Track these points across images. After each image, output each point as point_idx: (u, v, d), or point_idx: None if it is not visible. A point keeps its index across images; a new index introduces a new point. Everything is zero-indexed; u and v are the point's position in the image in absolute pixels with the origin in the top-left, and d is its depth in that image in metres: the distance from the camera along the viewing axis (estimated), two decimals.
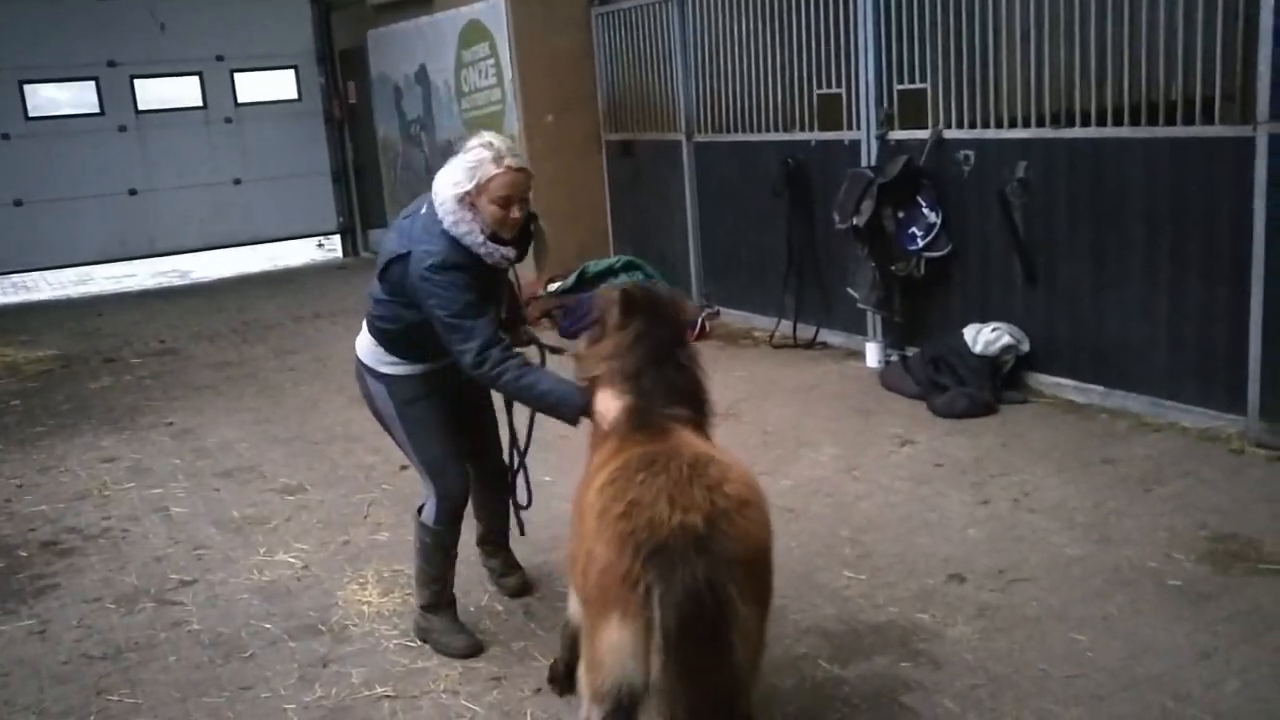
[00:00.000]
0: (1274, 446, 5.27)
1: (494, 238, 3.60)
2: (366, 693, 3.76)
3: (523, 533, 4.33)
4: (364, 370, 3.94)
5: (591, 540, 2.72)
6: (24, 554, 5.22)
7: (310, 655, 4.06)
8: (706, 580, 2.51)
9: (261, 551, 5.07)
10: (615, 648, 2.61)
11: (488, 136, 3.66)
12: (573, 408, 3.40)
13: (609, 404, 3.18)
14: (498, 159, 3.54)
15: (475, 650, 3.97)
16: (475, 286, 3.56)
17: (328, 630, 4.25)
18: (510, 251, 3.68)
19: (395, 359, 3.85)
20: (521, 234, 3.72)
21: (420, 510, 4.04)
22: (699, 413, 3.21)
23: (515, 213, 3.60)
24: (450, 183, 3.58)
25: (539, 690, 3.69)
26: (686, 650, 2.50)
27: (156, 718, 3.70)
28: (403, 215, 3.78)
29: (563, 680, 3.60)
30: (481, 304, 3.56)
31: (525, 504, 4.24)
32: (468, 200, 3.56)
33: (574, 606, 3.21)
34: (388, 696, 3.74)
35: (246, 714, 3.70)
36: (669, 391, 3.13)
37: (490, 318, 3.57)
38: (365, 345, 3.92)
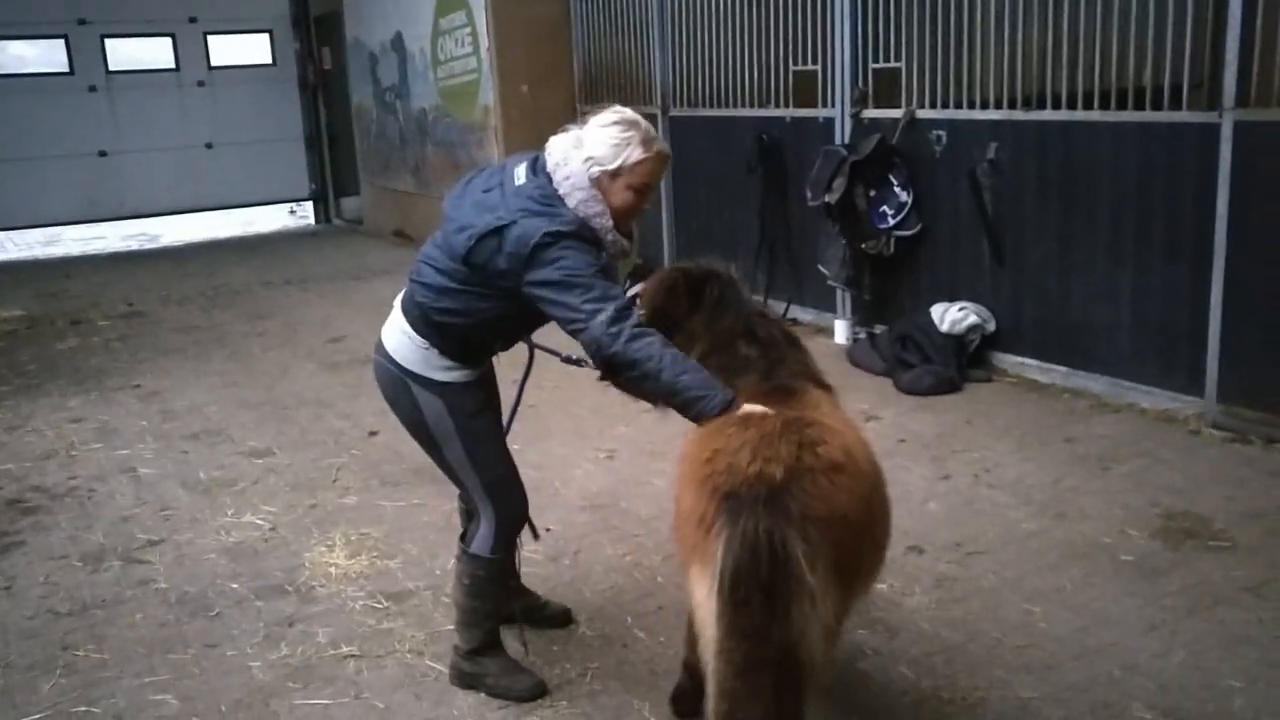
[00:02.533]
0: (1230, 428, 5.38)
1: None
2: (332, 652, 3.80)
3: (537, 536, 3.76)
4: (408, 379, 3.28)
5: (678, 489, 2.67)
6: None
7: (276, 615, 4.09)
8: (768, 533, 2.37)
9: (229, 513, 5.08)
10: (700, 602, 2.50)
11: (628, 113, 3.21)
12: (716, 407, 2.82)
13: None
14: (647, 142, 3.14)
15: (542, 689, 3.48)
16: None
17: (294, 591, 4.28)
18: (626, 243, 3.22)
19: (454, 363, 3.27)
20: None
21: (465, 539, 3.53)
22: (818, 380, 3.11)
23: (647, 202, 3.23)
24: (584, 158, 3.13)
25: None
26: (737, 603, 2.37)
27: (123, 673, 3.72)
28: (472, 188, 3.24)
29: (689, 697, 3.17)
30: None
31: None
32: (604, 180, 3.13)
33: None
34: (353, 656, 3.77)
35: (212, 671, 3.73)
36: (782, 364, 3.05)
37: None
38: (411, 347, 3.27)
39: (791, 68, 7.80)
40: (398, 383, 3.31)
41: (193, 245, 13.85)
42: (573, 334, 3.03)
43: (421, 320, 3.24)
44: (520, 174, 3.18)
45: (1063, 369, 6.26)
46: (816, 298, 7.78)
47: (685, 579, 2.61)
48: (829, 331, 7.52)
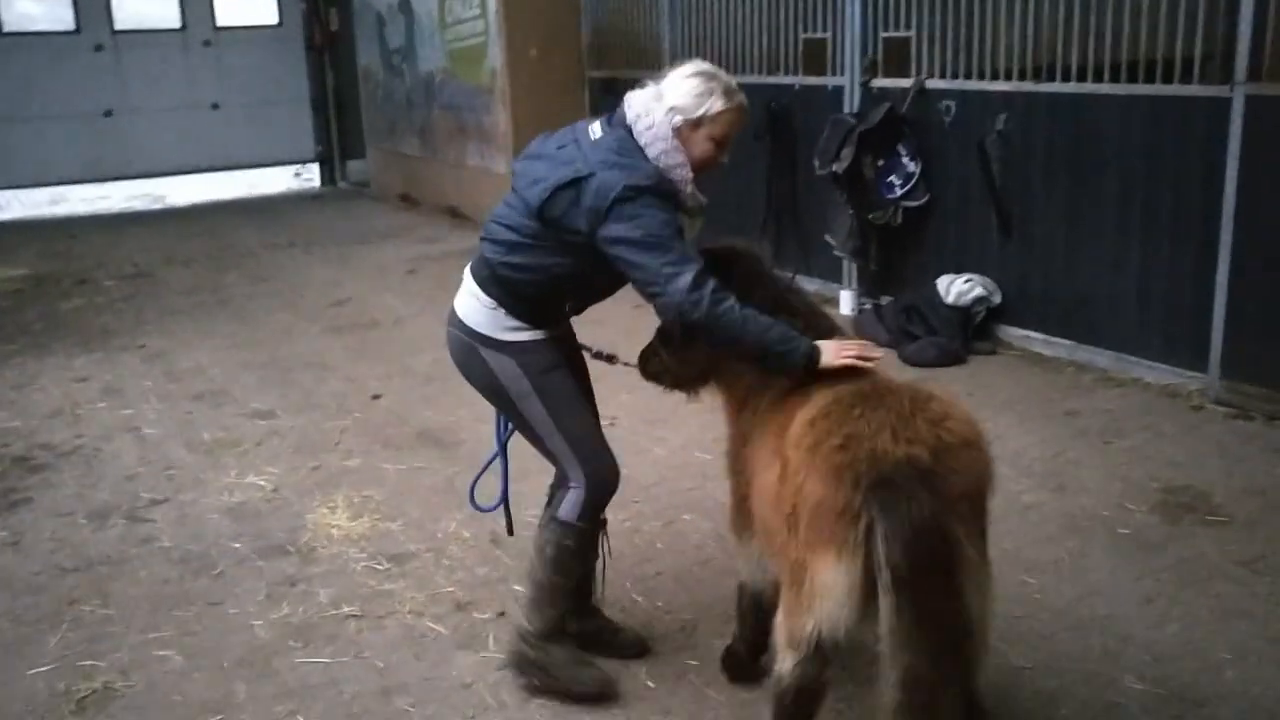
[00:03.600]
0: (1233, 404, 5.38)
1: None
2: (333, 611, 3.83)
3: (512, 531, 3.66)
4: (477, 341, 3.20)
5: (801, 477, 2.55)
6: None
7: (278, 574, 4.13)
8: (933, 516, 2.35)
9: (232, 474, 5.11)
10: (829, 588, 2.47)
11: (709, 66, 3.18)
12: (803, 355, 2.87)
13: (840, 352, 2.87)
14: (729, 93, 3.10)
15: (610, 687, 3.31)
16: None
17: (296, 551, 4.32)
18: (703, 198, 3.22)
19: (522, 323, 3.19)
20: None
21: (552, 506, 3.33)
22: None
23: (725, 155, 3.22)
24: (667, 108, 3.08)
25: (502, 614, 3.77)
26: (919, 590, 2.33)
27: (128, 629, 3.76)
28: (545, 147, 3.17)
29: (744, 663, 3.32)
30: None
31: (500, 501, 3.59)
32: (685, 130, 3.10)
33: (747, 569, 3.13)
34: (354, 616, 3.81)
35: (215, 628, 3.77)
36: (833, 332, 3.04)
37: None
38: (478, 309, 3.20)
39: (801, 35, 7.75)
40: (467, 348, 3.22)
41: (198, 206, 13.83)
42: (649, 297, 3.00)
43: (490, 279, 3.17)
44: (595, 130, 3.14)
45: (1068, 343, 6.26)
46: (823, 268, 7.76)
47: (800, 563, 2.55)
48: (835, 302, 7.51)
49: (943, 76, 6.79)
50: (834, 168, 6.96)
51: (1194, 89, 5.52)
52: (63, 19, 13.57)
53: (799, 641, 2.57)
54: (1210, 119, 5.38)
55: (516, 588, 3.87)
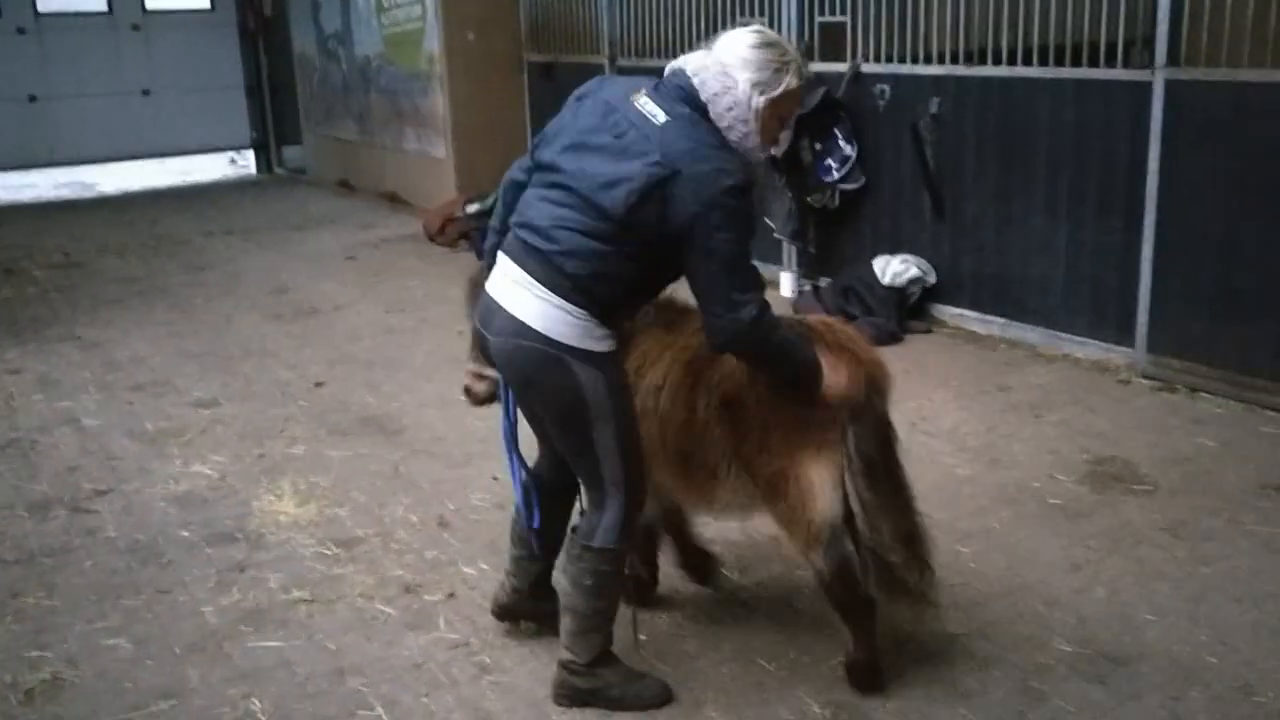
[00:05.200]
0: (1158, 378, 5.58)
1: None
2: (284, 596, 3.86)
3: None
4: (567, 355, 2.87)
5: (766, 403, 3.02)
6: None
7: (227, 561, 4.14)
8: (882, 416, 3.13)
9: (177, 463, 5.09)
10: (821, 482, 2.99)
11: (769, 32, 2.97)
12: (820, 376, 2.93)
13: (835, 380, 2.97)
14: (799, 66, 2.90)
15: (668, 692, 3.22)
16: None
17: (244, 538, 4.32)
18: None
19: (608, 331, 2.92)
20: None
21: (579, 534, 3.10)
22: None
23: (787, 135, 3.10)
24: (751, 83, 2.83)
25: (451, 595, 3.82)
26: (885, 475, 3.07)
27: (74, 619, 3.76)
28: (598, 131, 2.87)
29: (647, 584, 3.67)
30: None
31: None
32: (764, 108, 2.85)
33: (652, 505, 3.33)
34: (304, 601, 3.84)
35: (165, 615, 3.77)
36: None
37: None
38: (565, 319, 2.85)
39: (738, 19, 7.82)
40: (552, 361, 2.86)
41: (130, 194, 13.57)
42: (707, 313, 2.83)
43: (576, 290, 2.83)
44: (651, 107, 2.83)
45: (1000, 320, 6.43)
46: (763, 251, 7.83)
47: (782, 472, 3.04)
48: (775, 284, 7.62)
49: (877, 60, 6.91)
50: (772, 151, 7.05)
51: (1118, 73, 5.70)
52: None
53: (816, 536, 3.05)
54: (1133, 102, 5.55)
55: (466, 570, 3.93)
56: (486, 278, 3.07)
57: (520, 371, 2.95)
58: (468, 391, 3.43)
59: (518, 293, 2.89)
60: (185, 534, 4.38)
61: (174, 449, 5.26)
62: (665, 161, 2.73)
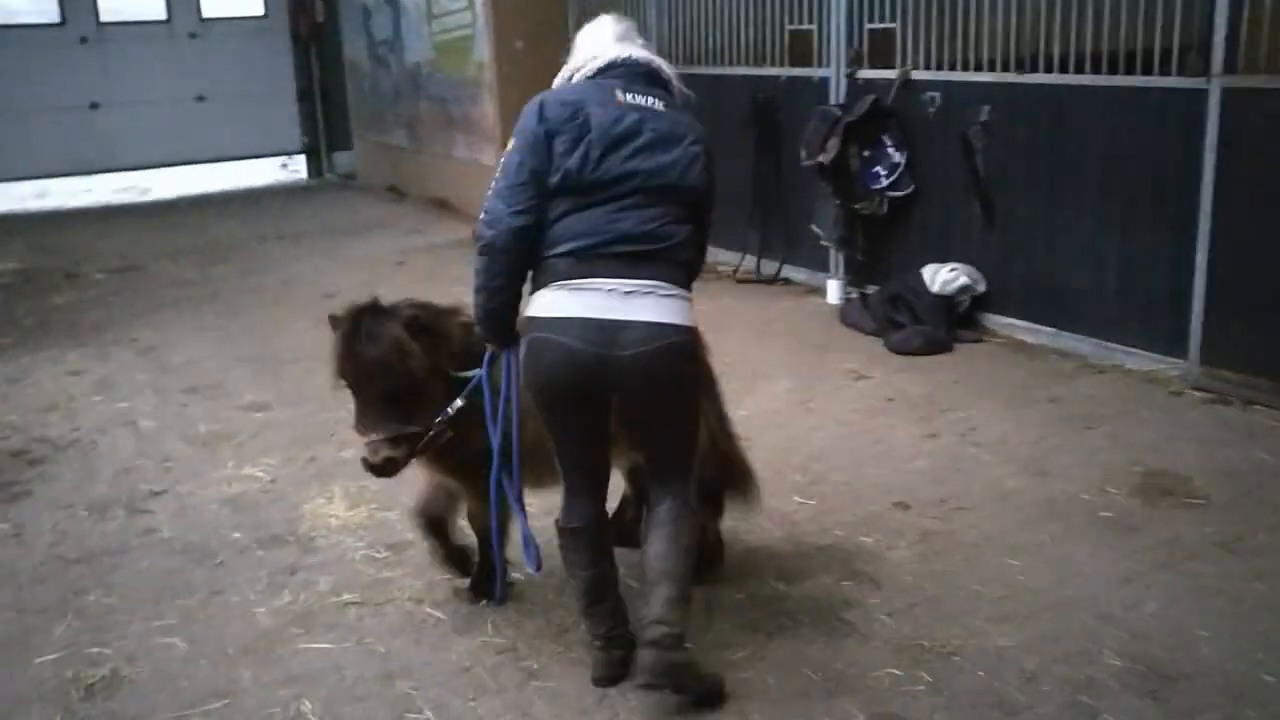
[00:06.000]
0: (1211, 390, 5.50)
1: None
2: (334, 599, 3.91)
3: (540, 568, 3.56)
4: (695, 339, 3.19)
5: None
6: None
7: (278, 564, 4.21)
8: None
9: (229, 465, 5.18)
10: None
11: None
12: None
13: None
14: None
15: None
16: None
17: (295, 541, 4.39)
18: None
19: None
20: None
21: (680, 503, 3.22)
22: None
23: None
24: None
25: (500, 601, 3.86)
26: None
27: (132, 617, 3.84)
28: (641, 131, 3.10)
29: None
30: None
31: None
32: None
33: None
34: (354, 603, 3.89)
35: (218, 616, 3.85)
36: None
37: None
38: (688, 306, 3.14)
39: (787, 26, 7.84)
40: (690, 348, 3.14)
41: (184, 199, 13.82)
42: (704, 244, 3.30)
43: (687, 276, 3.18)
44: (644, 99, 3.15)
45: (1050, 330, 6.37)
46: (809, 258, 7.86)
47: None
48: (821, 291, 7.61)
49: (927, 68, 6.88)
50: (820, 158, 7.05)
51: (1173, 80, 5.62)
52: (47, 11, 13.53)
53: None
54: (1188, 110, 5.48)
55: (514, 574, 3.95)
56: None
57: (670, 370, 3.07)
58: (381, 466, 3.31)
59: (644, 300, 3.03)
60: (237, 536, 4.45)
61: (226, 452, 5.35)
62: (698, 138, 3.16)
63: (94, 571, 4.19)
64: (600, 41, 3.29)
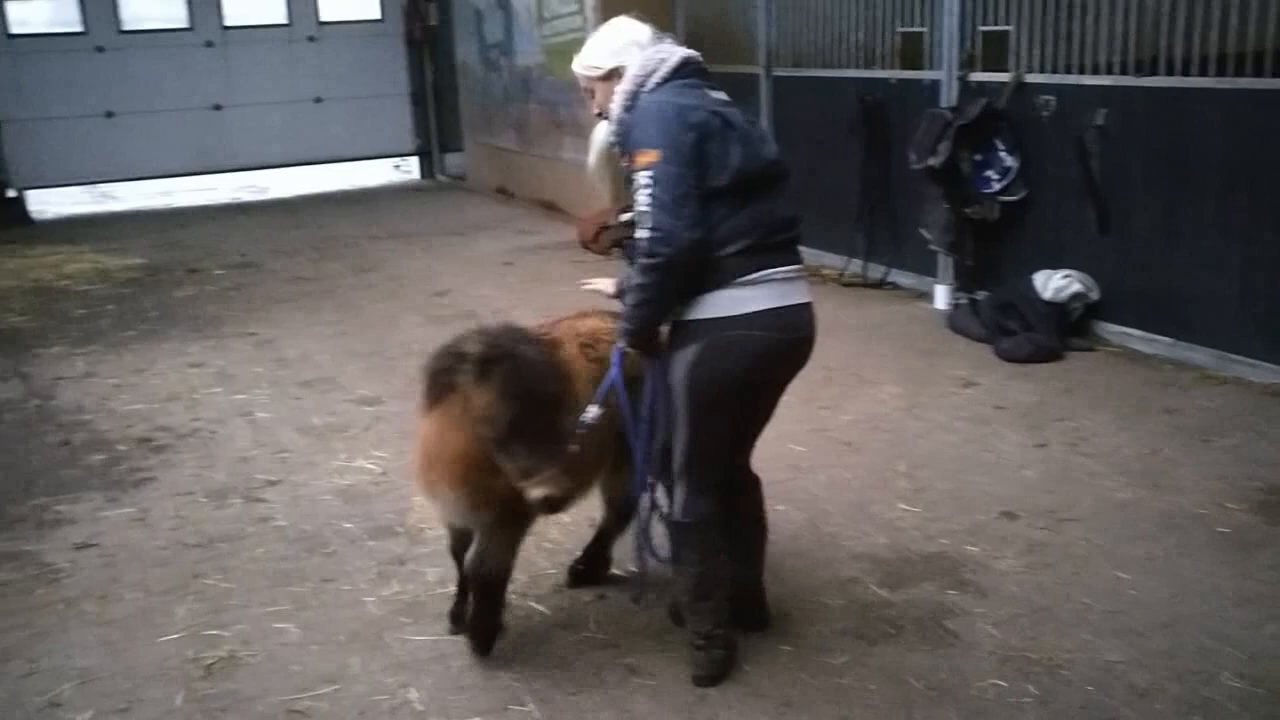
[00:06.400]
0: None
1: None
2: (441, 590, 3.99)
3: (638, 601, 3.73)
4: None
5: None
6: (123, 448, 5.54)
7: (388, 554, 4.32)
8: None
9: (341, 457, 5.33)
10: None
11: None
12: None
13: None
14: None
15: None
16: None
17: (404, 532, 4.50)
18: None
19: None
20: None
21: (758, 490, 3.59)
22: None
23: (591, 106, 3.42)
24: None
25: (602, 597, 3.91)
26: None
27: (248, 602, 3.98)
28: (737, 123, 3.19)
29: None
30: None
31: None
32: None
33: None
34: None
35: (330, 603, 3.97)
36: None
37: None
38: None
39: (898, 28, 7.75)
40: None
41: (301, 198, 14.23)
42: None
43: None
44: (719, 94, 3.27)
45: (1167, 340, 6.19)
46: (917, 262, 7.76)
47: None
48: (929, 296, 7.51)
49: (1041, 70, 6.74)
50: (930, 162, 6.96)
51: None
52: (177, 17, 14.06)
53: None
54: None
55: (615, 571, 3.98)
56: None
57: (808, 351, 3.31)
58: (565, 497, 3.35)
59: (800, 283, 3.27)
60: (348, 526, 4.58)
61: (339, 444, 5.50)
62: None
63: (212, 556, 4.35)
64: (647, 40, 3.32)
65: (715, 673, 3.36)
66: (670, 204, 3.03)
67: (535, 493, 3.17)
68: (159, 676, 3.55)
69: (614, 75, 3.28)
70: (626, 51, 3.28)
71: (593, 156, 3.46)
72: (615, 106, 3.26)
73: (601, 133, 3.39)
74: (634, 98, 3.22)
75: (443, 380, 3.32)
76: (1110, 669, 3.35)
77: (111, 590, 4.11)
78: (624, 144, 3.22)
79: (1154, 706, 3.17)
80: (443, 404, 3.31)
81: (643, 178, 3.05)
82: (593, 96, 3.36)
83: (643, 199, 3.05)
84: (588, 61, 3.34)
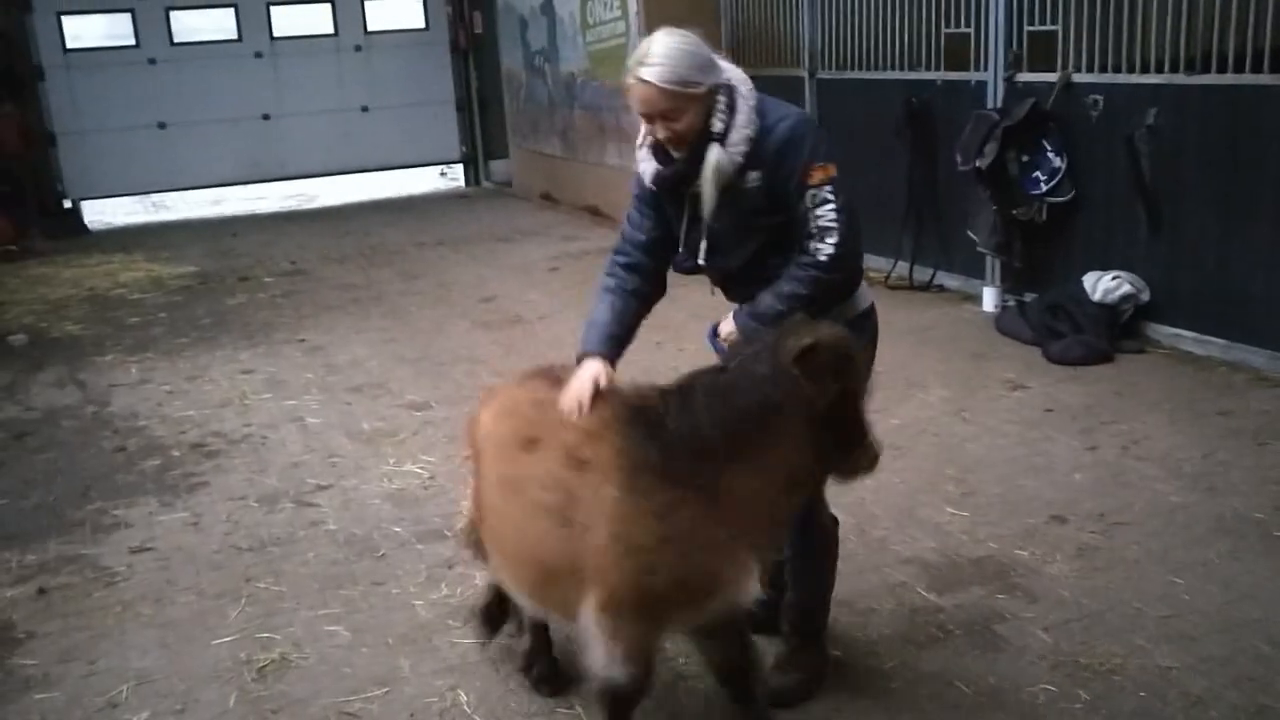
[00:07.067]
0: None
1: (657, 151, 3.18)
2: None
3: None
4: None
5: None
6: (176, 453, 5.64)
7: (437, 558, 4.36)
8: None
9: (391, 462, 5.38)
10: None
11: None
12: None
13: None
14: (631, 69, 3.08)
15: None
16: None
17: (453, 536, 4.51)
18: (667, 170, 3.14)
19: None
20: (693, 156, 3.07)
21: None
22: None
23: (658, 131, 3.08)
24: None
25: None
26: None
27: (299, 605, 4.04)
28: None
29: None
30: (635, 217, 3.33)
31: None
32: None
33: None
34: None
35: (380, 606, 4.01)
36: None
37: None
38: None
39: (943, 29, 7.70)
40: None
41: (348, 206, 14.40)
42: None
43: None
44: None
45: (1221, 341, 6.09)
46: (964, 264, 7.70)
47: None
48: (977, 299, 7.45)
49: (1089, 70, 6.67)
50: (977, 163, 6.91)
51: None
52: (227, 29, 14.29)
53: None
54: None
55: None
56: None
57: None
58: None
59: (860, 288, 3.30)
60: (398, 530, 4.63)
61: (388, 449, 5.56)
62: None
63: (264, 560, 4.42)
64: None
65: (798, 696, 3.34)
66: (849, 218, 3.05)
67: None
68: (213, 678, 3.61)
69: (715, 91, 3.05)
70: (713, 66, 3.11)
71: (712, 181, 3.05)
72: (742, 121, 3.04)
73: (716, 154, 3.03)
74: (761, 114, 3.09)
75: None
76: (1164, 674, 3.30)
77: (166, 593, 4.19)
78: (773, 160, 3.06)
79: (1209, 714, 3.12)
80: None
81: (825, 192, 3.04)
82: (668, 118, 3.02)
83: (828, 214, 3.03)
84: (681, 78, 2.99)
